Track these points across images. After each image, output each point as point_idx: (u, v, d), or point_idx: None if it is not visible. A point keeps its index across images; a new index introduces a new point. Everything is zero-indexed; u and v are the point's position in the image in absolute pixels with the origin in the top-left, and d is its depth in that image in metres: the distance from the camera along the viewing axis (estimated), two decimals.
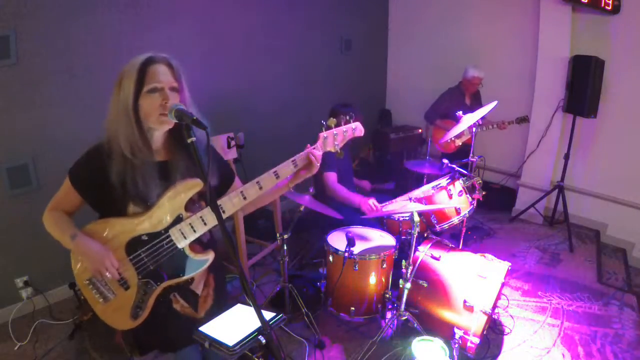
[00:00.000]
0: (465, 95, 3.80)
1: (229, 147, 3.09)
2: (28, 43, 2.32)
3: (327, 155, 1.43)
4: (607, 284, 2.89)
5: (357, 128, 1.49)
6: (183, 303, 1.40)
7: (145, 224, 1.27)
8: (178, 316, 1.40)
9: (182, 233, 1.29)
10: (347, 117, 1.48)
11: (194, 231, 1.30)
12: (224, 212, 1.30)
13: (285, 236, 2.25)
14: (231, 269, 2.87)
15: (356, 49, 4.44)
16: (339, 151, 1.45)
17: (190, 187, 1.29)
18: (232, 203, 1.31)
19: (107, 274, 1.24)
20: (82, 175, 1.27)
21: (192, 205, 1.32)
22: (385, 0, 4.75)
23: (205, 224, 1.30)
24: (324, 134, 1.41)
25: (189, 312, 1.41)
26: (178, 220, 1.29)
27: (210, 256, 1.37)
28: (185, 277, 1.36)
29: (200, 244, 1.39)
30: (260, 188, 1.33)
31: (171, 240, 1.29)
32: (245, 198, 1.32)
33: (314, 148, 1.38)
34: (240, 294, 2.48)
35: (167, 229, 1.28)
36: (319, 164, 1.38)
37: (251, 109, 3.60)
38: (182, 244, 1.31)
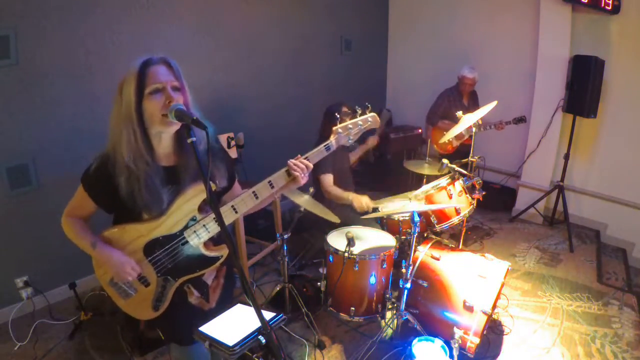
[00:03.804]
0: (462, 96, 3.81)
1: (229, 147, 3.09)
2: (28, 43, 2.32)
3: (322, 159, 1.41)
4: (607, 284, 2.89)
5: (373, 120, 1.42)
6: (197, 294, 1.43)
7: (160, 228, 1.30)
8: (191, 310, 1.42)
9: (197, 234, 1.32)
10: (360, 110, 1.40)
11: (208, 231, 1.33)
12: (236, 212, 1.32)
13: (285, 236, 2.25)
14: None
15: (356, 49, 4.44)
16: (353, 144, 1.41)
17: (201, 190, 1.30)
18: (245, 203, 1.32)
19: (129, 278, 1.29)
20: (95, 185, 1.29)
21: (205, 206, 1.34)
22: (385, 0, 4.75)
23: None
24: (337, 127, 1.37)
25: (202, 303, 1.44)
26: (192, 222, 1.32)
27: (224, 252, 1.40)
28: (200, 272, 1.39)
29: (212, 240, 1.41)
30: (272, 187, 1.34)
31: (186, 241, 1.32)
32: (257, 197, 1.33)
33: (305, 158, 1.37)
34: (240, 294, 2.48)
35: (182, 231, 1.32)
36: (304, 175, 1.35)
37: (251, 109, 3.60)
38: (197, 243, 1.33)
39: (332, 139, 1.37)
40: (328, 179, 2.68)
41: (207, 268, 1.39)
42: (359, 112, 1.41)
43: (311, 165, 1.36)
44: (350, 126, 1.38)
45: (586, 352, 2.24)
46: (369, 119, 1.41)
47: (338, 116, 1.40)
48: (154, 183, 1.24)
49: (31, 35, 2.32)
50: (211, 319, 1.36)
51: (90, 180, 1.28)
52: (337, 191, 2.66)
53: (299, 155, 1.37)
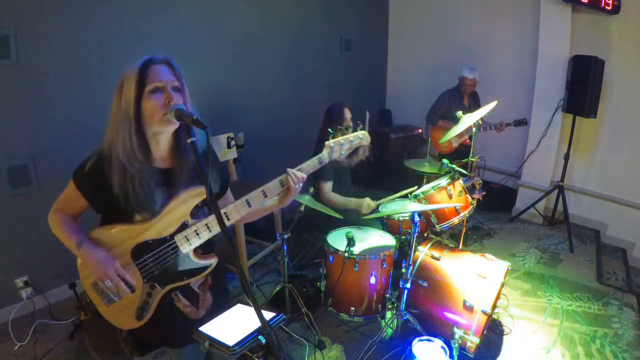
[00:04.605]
0: (463, 96, 3.81)
1: (229, 147, 3.09)
2: (28, 43, 2.32)
3: (324, 166, 1.46)
4: (607, 284, 2.89)
5: (364, 137, 1.50)
6: (185, 302, 1.41)
7: (150, 231, 1.27)
8: (179, 314, 1.40)
9: (187, 239, 1.30)
10: (354, 126, 1.51)
11: (199, 237, 1.31)
12: (228, 219, 1.31)
13: (285, 236, 2.25)
14: (231, 269, 2.88)
15: (356, 49, 4.44)
16: (344, 159, 1.51)
17: (195, 195, 1.29)
18: (238, 210, 1.32)
19: (113, 281, 1.25)
20: (88, 182, 1.26)
21: (197, 212, 1.33)
22: (386, 0, 4.75)
23: (210, 230, 1.31)
24: (330, 142, 1.44)
25: (190, 311, 1.42)
26: (183, 227, 1.30)
27: (213, 260, 1.38)
28: (188, 281, 1.37)
29: (202, 248, 1.39)
30: (265, 196, 1.35)
31: (176, 246, 1.30)
32: (250, 206, 1.33)
33: (298, 169, 1.40)
34: (240, 294, 2.48)
35: (172, 235, 1.29)
36: (298, 186, 1.38)
37: (251, 109, 3.60)
38: (187, 249, 1.31)
39: (325, 152, 1.44)
40: (327, 186, 2.66)
41: (195, 276, 1.37)
42: (351, 129, 1.52)
43: (304, 176, 1.40)
44: (342, 141, 1.46)
45: (586, 352, 2.24)
46: (360, 136, 1.50)
47: (331, 132, 1.48)
48: (148, 184, 1.23)
49: (31, 35, 2.32)
50: (200, 322, 1.35)
51: (82, 177, 1.25)
52: (338, 199, 2.66)
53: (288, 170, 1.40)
